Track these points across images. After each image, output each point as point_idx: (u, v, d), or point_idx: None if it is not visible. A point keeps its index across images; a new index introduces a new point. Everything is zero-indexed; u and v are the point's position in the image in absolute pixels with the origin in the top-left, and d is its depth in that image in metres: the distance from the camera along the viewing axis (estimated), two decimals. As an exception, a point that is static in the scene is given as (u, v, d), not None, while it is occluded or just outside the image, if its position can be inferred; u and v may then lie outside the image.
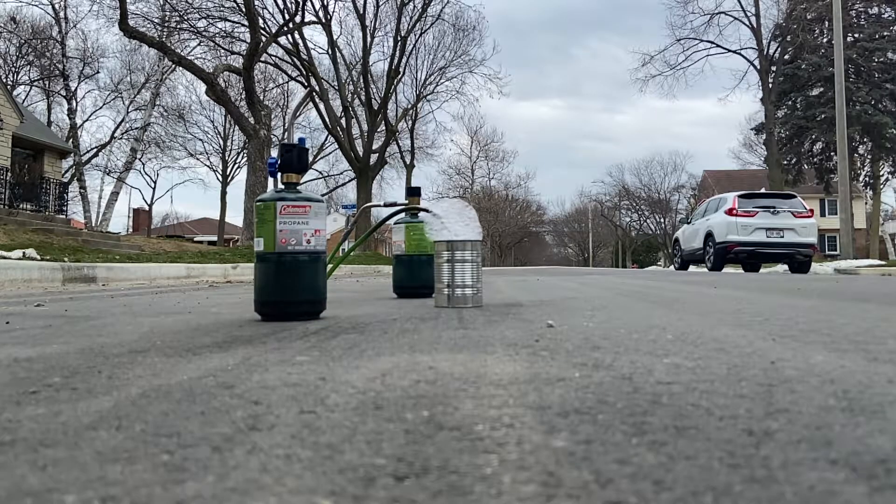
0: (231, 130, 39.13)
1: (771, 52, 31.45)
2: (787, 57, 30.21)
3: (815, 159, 30.68)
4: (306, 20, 23.80)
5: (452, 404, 0.77)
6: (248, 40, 17.15)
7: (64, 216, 19.56)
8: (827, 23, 26.84)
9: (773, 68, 30.78)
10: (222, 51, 22.63)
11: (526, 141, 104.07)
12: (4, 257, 6.29)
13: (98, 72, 34.15)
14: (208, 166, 41.40)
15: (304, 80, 25.75)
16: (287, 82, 31.75)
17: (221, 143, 40.49)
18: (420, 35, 29.06)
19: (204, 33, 21.49)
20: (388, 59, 27.64)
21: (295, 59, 24.95)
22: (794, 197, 12.51)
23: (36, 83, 33.30)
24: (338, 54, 26.67)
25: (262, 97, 27.81)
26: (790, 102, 29.97)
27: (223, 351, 1.26)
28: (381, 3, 27.94)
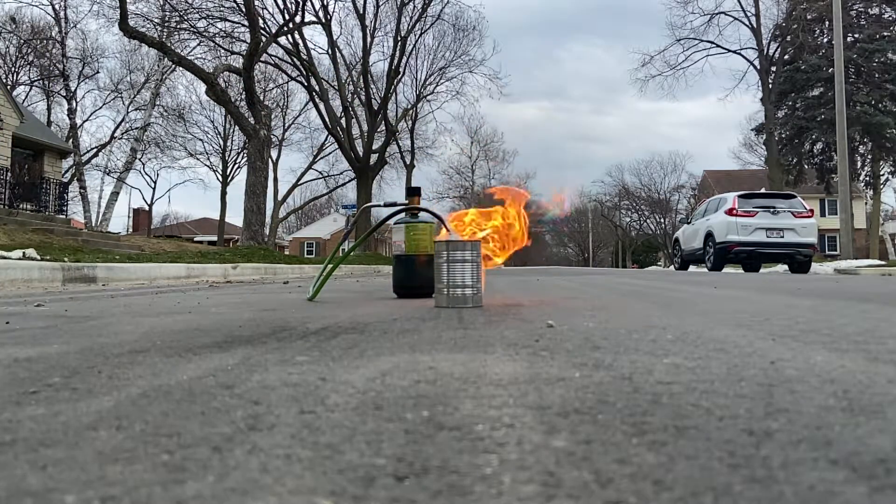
0: (231, 130, 39.14)
1: (771, 52, 31.47)
2: (787, 57, 30.20)
3: (816, 159, 30.66)
4: (306, 20, 23.82)
5: (452, 404, 0.77)
6: (248, 40, 17.15)
7: (64, 216, 19.56)
8: (827, 23, 26.83)
9: (773, 68, 30.78)
10: (222, 51, 22.66)
11: (517, 143, 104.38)
12: (4, 257, 6.28)
13: (98, 72, 34.19)
14: (208, 166, 41.43)
15: (304, 80, 25.75)
16: (287, 82, 31.80)
17: (221, 143, 40.50)
18: (420, 35, 29.11)
19: (204, 33, 21.52)
20: (388, 60, 27.69)
21: (295, 59, 24.95)
22: (794, 197, 12.52)
23: (36, 83, 33.33)
24: (338, 54, 26.69)
25: (262, 97, 27.83)
26: (790, 103, 29.96)
27: (223, 351, 1.26)
28: (381, 3, 27.99)
